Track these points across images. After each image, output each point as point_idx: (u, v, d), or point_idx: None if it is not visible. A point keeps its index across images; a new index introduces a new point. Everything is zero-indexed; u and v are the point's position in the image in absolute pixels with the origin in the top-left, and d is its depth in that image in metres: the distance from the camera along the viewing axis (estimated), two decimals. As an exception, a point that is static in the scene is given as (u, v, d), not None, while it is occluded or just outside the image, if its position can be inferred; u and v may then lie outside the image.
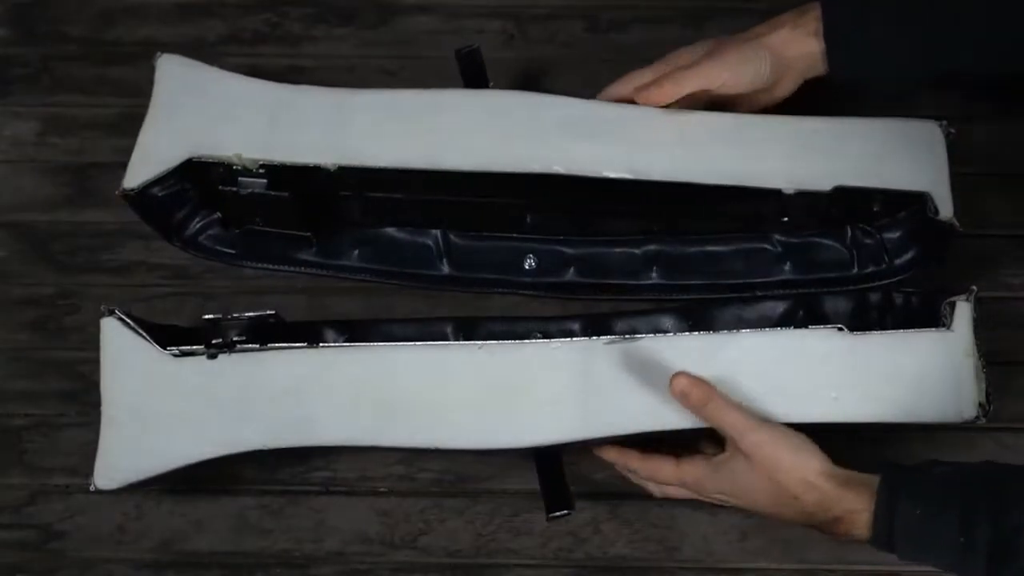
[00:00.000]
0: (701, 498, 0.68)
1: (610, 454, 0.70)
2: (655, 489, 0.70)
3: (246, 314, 0.72)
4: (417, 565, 0.75)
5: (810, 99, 0.87)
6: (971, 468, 0.62)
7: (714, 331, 0.71)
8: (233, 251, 0.81)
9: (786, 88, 0.74)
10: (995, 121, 0.86)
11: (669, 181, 0.73)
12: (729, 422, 0.64)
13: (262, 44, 0.91)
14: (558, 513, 0.67)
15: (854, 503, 0.60)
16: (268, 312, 0.72)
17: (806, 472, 0.62)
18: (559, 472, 0.69)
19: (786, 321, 0.76)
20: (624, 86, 0.75)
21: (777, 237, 0.80)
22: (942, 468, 0.61)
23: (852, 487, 0.61)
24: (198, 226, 0.80)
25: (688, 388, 0.64)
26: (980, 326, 0.70)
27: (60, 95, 0.90)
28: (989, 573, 0.56)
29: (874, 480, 0.60)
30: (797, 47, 0.71)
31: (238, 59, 0.90)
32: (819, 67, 0.72)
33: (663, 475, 0.68)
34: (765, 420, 0.65)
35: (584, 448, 0.71)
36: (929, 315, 0.71)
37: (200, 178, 0.76)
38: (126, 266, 0.83)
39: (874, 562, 0.74)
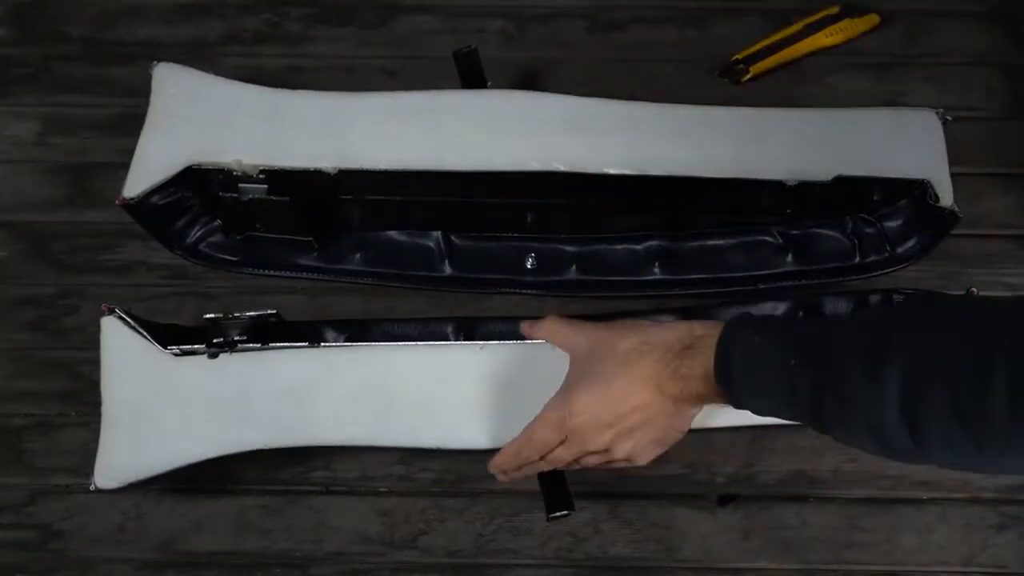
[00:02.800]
0: (579, 447, 0.64)
1: (492, 468, 0.68)
2: (547, 464, 0.66)
3: (247, 313, 0.72)
4: (417, 565, 0.75)
5: (808, 91, 0.88)
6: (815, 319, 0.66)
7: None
8: (234, 258, 0.81)
9: None
10: (995, 121, 0.86)
11: (670, 176, 0.73)
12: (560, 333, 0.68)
13: (262, 44, 0.91)
14: (558, 514, 0.67)
15: (702, 329, 0.60)
16: (269, 311, 0.72)
17: (644, 323, 0.64)
18: (559, 472, 0.69)
19: (786, 321, 0.76)
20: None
21: (778, 229, 0.80)
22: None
23: (699, 321, 0.62)
24: (199, 234, 0.80)
25: (528, 332, 0.70)
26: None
27: (60, 95, 0.90)
28: (814, 392, 0.54)
29: (721, 324, 0.61)
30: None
31: (238, 59, 0.90)
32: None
33: (539, 436, 0.64)
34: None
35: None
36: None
37: (200, 185, 0.76)
38: (126, 266, 0.83)
39: (874, 562, 0.74)
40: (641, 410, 0.62)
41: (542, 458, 0.66)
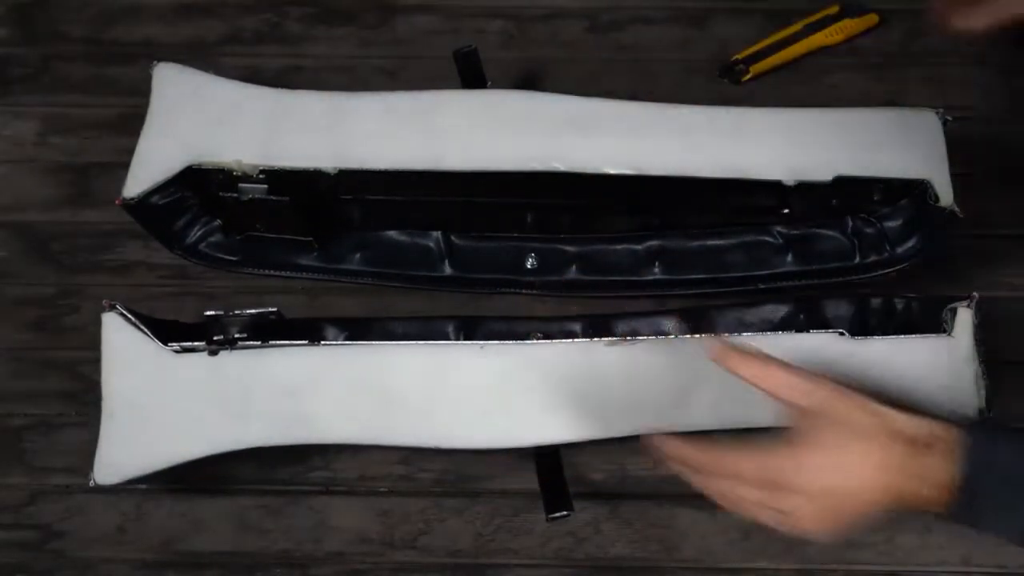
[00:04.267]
0: (771, 499, 0.57)
1: (668, 447, 0.60)
2: (722, 489, 0.59)
3: (248, 311, 0.72)
4: (417, 565, 0.75)
5: (808, 91, 0.88)
6: None
7: (715, 333, 0.71)
8: (234, 258, 0.81)
9: None
10: (995, 121, 0.86)
11: (670, 176, 0.73)
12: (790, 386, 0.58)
13: (262, 44, 0.91)
14: (557, 514, 0.67)
15: (940, 429, 0.55)
16: (270, 309, 0.72)
17: (872, 403, 0.57)
18: (559, 473, 0.69)
19: (787, 324, 0.76)
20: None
21: (778, 229, 0.80)
22: None
23: (934, 419, 0.56)
24: (198, 234, 0.80)
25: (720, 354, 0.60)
26: (981, 327, 0.70)
27: (60, 95, 0.90)
28: None
29: (955, 427, 0.55)
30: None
31: (238, 59, 0.90)
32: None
33: (743, 467, 0.57)
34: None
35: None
36: (930, 321, 0.71)
37: (200, 185, 0.76)
38: (126, 266, 0.83)
39: (874, 562, 0.74)
40: (862, 493, 0.55)
41: (706, 473, 0.59)
